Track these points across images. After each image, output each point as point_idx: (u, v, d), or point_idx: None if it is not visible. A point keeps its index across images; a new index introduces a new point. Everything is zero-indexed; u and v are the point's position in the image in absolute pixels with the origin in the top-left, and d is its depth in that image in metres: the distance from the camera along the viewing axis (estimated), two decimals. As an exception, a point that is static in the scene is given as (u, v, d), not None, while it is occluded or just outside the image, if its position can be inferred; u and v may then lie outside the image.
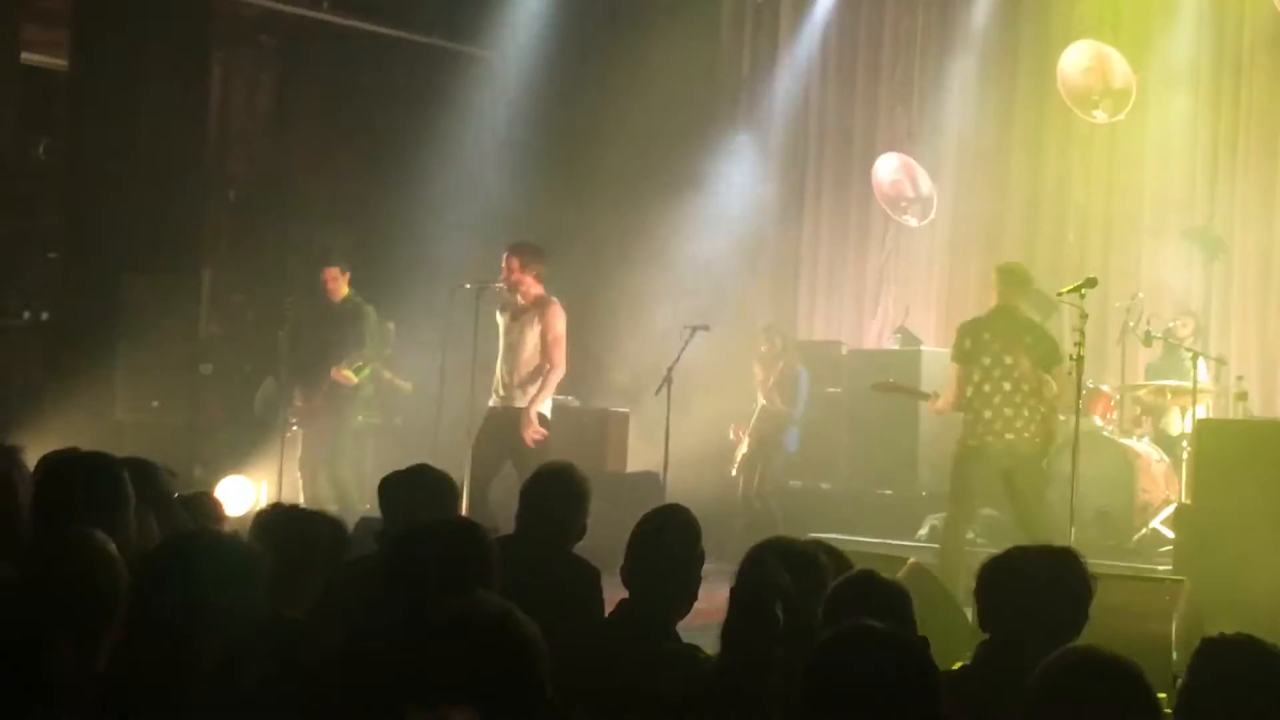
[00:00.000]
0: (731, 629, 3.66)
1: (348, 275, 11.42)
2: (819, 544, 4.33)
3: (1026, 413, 9.26)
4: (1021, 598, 3.96)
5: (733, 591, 3.79)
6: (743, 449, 12.05)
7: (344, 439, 11.28)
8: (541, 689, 2.91)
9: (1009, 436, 9.23)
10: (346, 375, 11.21)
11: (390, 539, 3.86)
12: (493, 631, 2.90)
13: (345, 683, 3.39)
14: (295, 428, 11.37)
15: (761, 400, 12.07)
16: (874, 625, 3.06)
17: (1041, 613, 3.92)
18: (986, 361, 9.34)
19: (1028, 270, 9.97)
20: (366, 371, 11.46)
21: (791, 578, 3.74)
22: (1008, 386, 9.27)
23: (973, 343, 9.42)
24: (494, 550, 3.85)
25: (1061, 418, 9.69)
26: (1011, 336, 9.37)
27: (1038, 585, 3.97)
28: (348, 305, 11.36)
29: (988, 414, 9.28)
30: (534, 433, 9.58)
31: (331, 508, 9.26)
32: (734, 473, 12.07)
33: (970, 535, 10.20)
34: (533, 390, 9.72)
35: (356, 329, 11.31)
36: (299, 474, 11.24)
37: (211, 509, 5.60)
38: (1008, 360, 9.32)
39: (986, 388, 9.30)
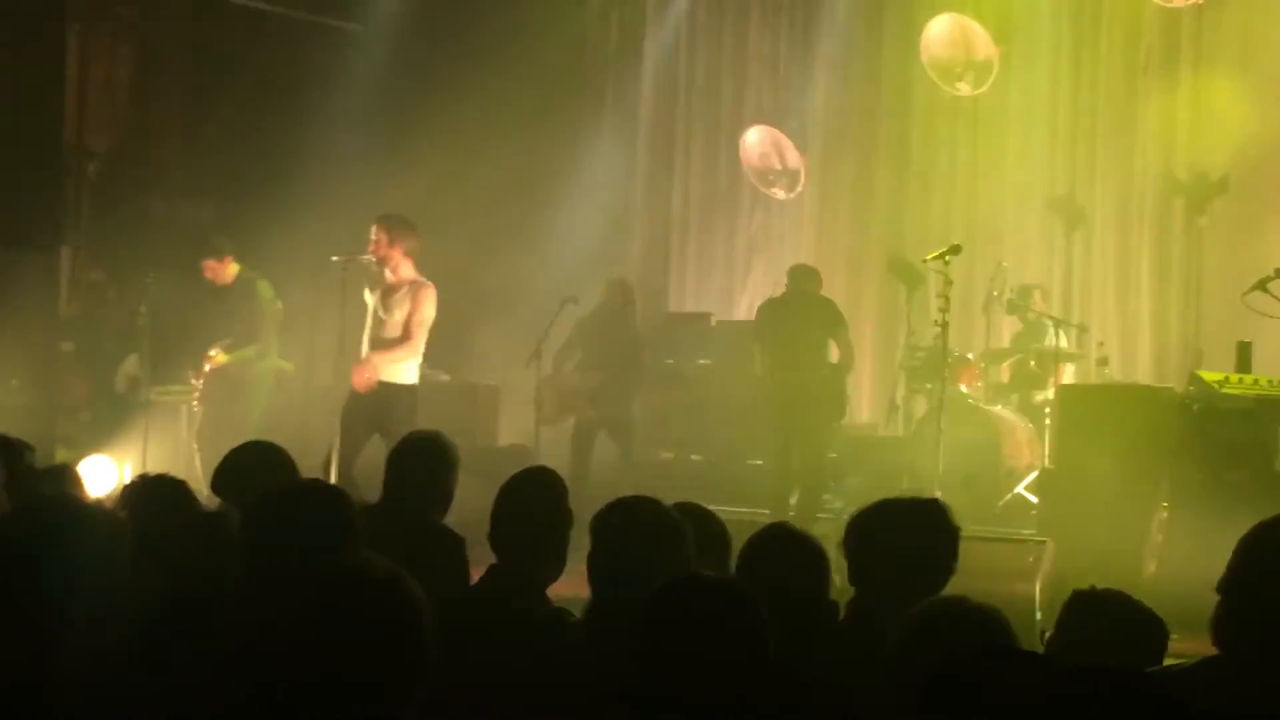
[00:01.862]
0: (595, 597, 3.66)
1: (228, 259, 11.24)
2: (686, 507, 4.34)
3: None
4: (889, 547, 4.00)
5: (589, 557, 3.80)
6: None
7: (247, 422, 11.04)
8: (427, 655, 2.86)
9: None
10: (214, 360, 11.04)
11: (248, 505, 3.81)
12: (384, 594, 2.85)
13: (218, 650, 3.34)
14: (196, 406, 11.27)
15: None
16: (704, 575, 3.10)
17: (909, 561, 3.97)
18: None
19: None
20: (260, 362, 11.22)
21: (641, 539, 3.75)
22: None
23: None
24: (356, 513, 3.81)
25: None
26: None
27: (904, 534, 4.02)
28: (238, 287, 11.19)
29: None
30: (368, 378, 9.45)
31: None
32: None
33: (839, 504, 10.45)
34: (387, 356, 9.59)
35: (246, 316, 11.11)
36: (195, 445, 11.10)
37: (72, 480, 5.49)
38: None
39: None
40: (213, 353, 11.06)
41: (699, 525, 4.03)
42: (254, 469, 5.03)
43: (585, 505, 4.15)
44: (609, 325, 11.35)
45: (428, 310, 9.63)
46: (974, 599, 3.18)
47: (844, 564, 4.27)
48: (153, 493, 4.56)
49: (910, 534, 4.02)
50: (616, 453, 11.41)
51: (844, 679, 3.45)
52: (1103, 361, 11.38)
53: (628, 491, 4.33)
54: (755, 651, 2.94)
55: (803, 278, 10.84)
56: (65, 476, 5.43)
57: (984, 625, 3.09)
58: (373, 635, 2.75)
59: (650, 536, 3.71)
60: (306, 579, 2.88)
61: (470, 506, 5.68)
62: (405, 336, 9.61)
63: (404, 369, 9.66)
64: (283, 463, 5.16)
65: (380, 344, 9.64)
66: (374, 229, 9.75)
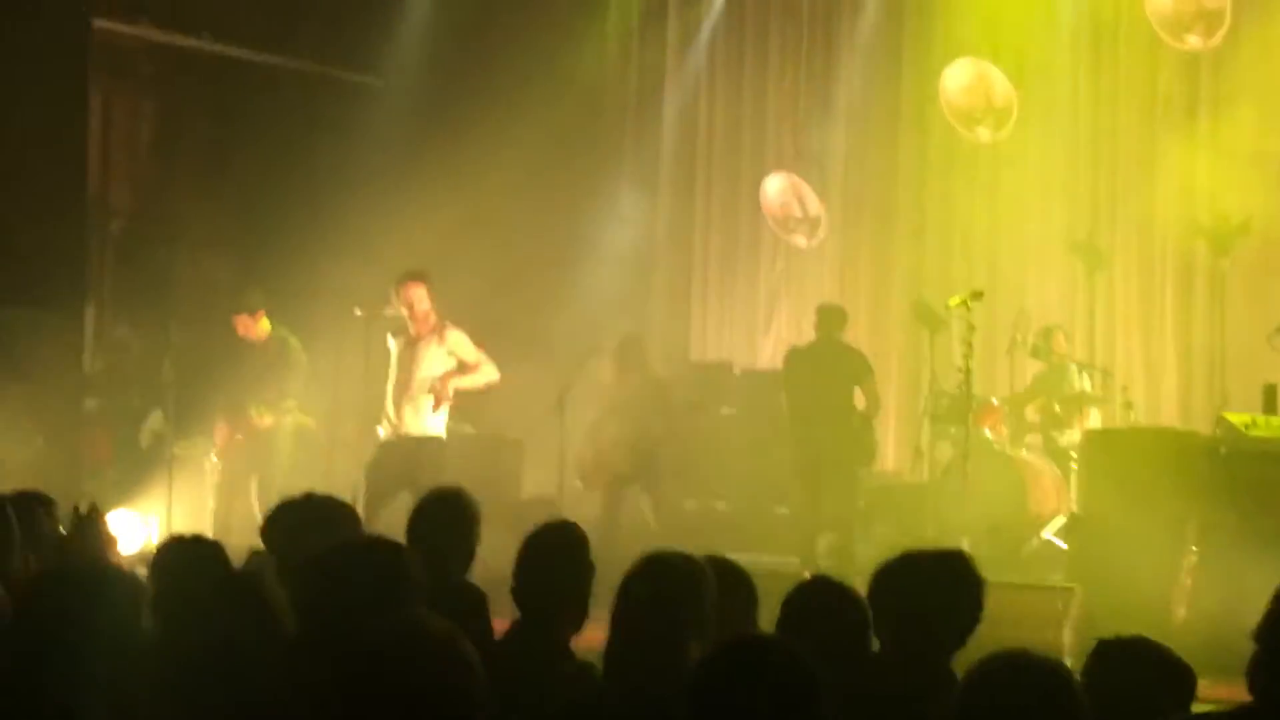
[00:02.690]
0: (617, 650, 3.62)
1: (260, 314, 11.28)
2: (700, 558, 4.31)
3: None
4: (913, 600, 3.97)
5: (613, 612, 3.76)
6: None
7: (276, 473, 11.08)
8: (482, 715, 2.85)
9: None
10: (259, 420, 11.06)
11: (311, 561, 3.77)
12: (441, 653, 2.84)
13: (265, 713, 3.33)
14: (215, 460, 11.28)
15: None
16: (763, 636, 3.04)
17: (934, 615, 3.93)
18: None
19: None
20: (290, 416, 11.25)
21: (672, 591, 3.70)
22: None
23: None
24: (414, 569, 3.78)
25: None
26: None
27: (929, 587, 3.98)
28: (272, 344, 11.23)
29: None
30: (442, 387, 9.53)
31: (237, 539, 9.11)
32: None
33: (862, 549, 10.42)
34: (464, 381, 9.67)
35: (281, 372, 11.16)
36: (212, 501, 11.12)
37: (101, 532, 5.48)
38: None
39: None
40: (256, 411, 11.06)
41: (726, 580, 4.00)
42: (313, 522, 4.96)
43: (617, 558, 4.13)
44: (631, 384, 11.34)
45: (467, 340, 9.76)
46: (1036, 651, 3.12)
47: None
48: (186, 554, 4.53)
49: (935, 586, 3.98)
50: (646, 504, 11.41)
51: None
52: (1127, 405, 11.32)
53: (657, 543, 4.30)
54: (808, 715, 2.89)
55: (829, 319, 10.84)
56: (92, 527, 5.39)
57: (1048, 679, 3.03)
58: (430, 694, 2.75)
59: (672, 595, 3.66)
60: (364, 638, 2.88)
61: (494, 560, 5.66)
62: (475, 366, 9.74)
63: (434, 422, 9.71)
64: (345, 516, 5.08)
65: (407, 394, 9.69)
66: (406, 284, 9.80)
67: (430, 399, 9.72)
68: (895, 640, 3.95)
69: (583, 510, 10.05)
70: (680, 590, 3.64)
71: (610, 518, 11.10)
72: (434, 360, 9.75)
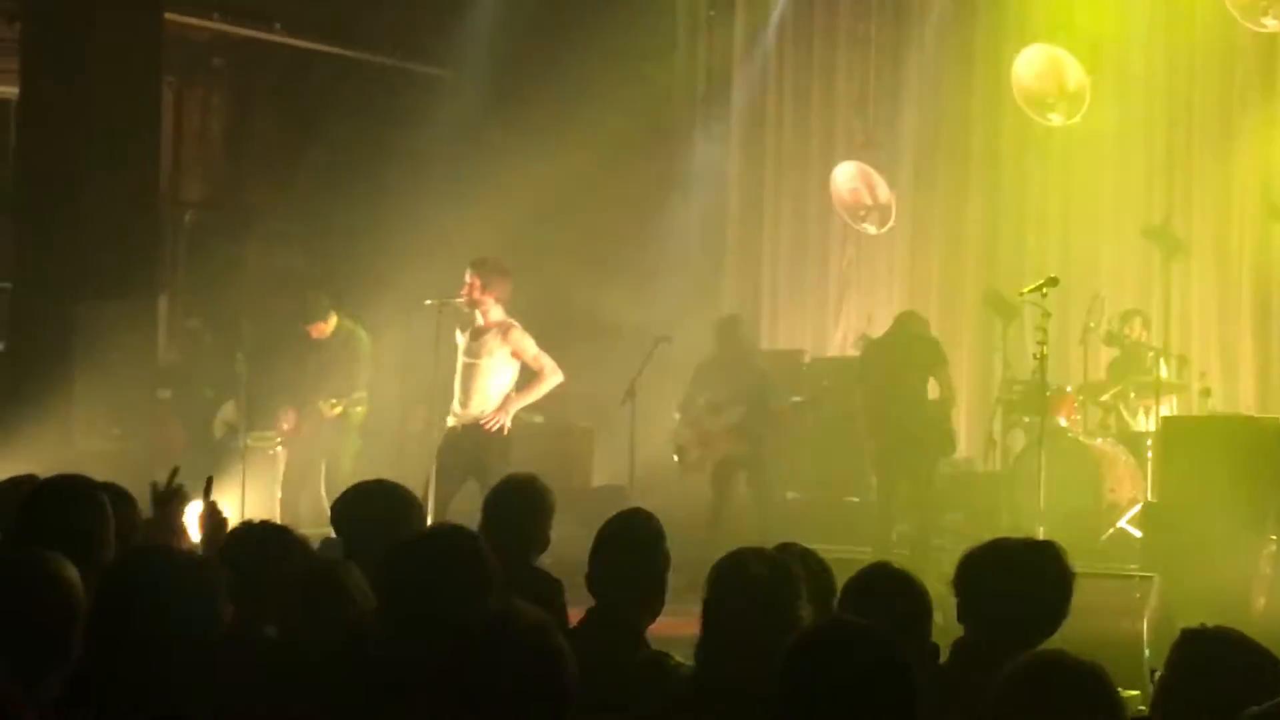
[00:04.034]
0: (708, 638, 3.59)
1: (330, 317, 11.42)
2: (791, 549, 4.27)
3: None
4: (1002, 589, 3.91)
5: (706, 601, 3.72)
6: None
7: (343, 463, 11.17)
8: (572, 705, 2.84)
9: None
10: (330, 411, 11.13)
11: (390, 550, 3.77)
12: (533, 641, 2.82)
13: (347, 699, 3.33)
14: (280, 448, 11.34)
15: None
16: (851, 621, 3.01)
17: (1022, 605, 3.88)
18: None
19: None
20: (360, 407, 11.32)
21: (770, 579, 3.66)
22: None
23: None
24: (491, 557, 3.78)
25: None
26: None
27: (1019, 576, 3.93)
28: (338, 335, 11.34)
29: None
30: (494, 421, 9.53)
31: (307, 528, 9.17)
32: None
33: (937, 540, 10.36)
34: (516, 396, 9.68)
35: (347, 364, 11.24)
36: (280, 492, 11.21)
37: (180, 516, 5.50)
38: None
39: None
40: (328, 404, 11.13)
41: (804, 568, 3.95)
42: (379, 508, 4.96)
43: (723, 544, 4.10)
44: (735, 365, 11.27)
45: (529, 341, 9.74)
46: (1074, 652, 3.07)
47: (946, 601, 4.20)
48: (257, 539, 4.55)
49: (1025, 576, 3.93)
50: (749, 493, 11.32)
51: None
52: (1205, 393, 11.19)
53: (760, 531, 4.29)
54: (904, 706, 2.86)
55: (908, 320, 10.85)
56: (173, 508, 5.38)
57: (1085, 682, 2.99)
58: (522, 683, 2.74)
59: (764, 586, 3.61)
60: (455, 625, 2.88)
61: (565, 549, 5.66)
62: (538, 373, 9.72)
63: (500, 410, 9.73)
64: (412, 503, 5.08)
65: (473, 384, 9.70)
66: (468, 273, 9.81)
67: (496, 389, 9.71)
68: (980, 628, 3.89)
69: (653, 499, 10.00)
70: (772, 584, 3.59)
71: (719, 502, 11.06)
72: (498, 357, 9.74)
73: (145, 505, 5.17)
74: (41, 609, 3.28)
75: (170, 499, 4.95)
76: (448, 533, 3.97)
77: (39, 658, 3.26)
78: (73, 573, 3.39)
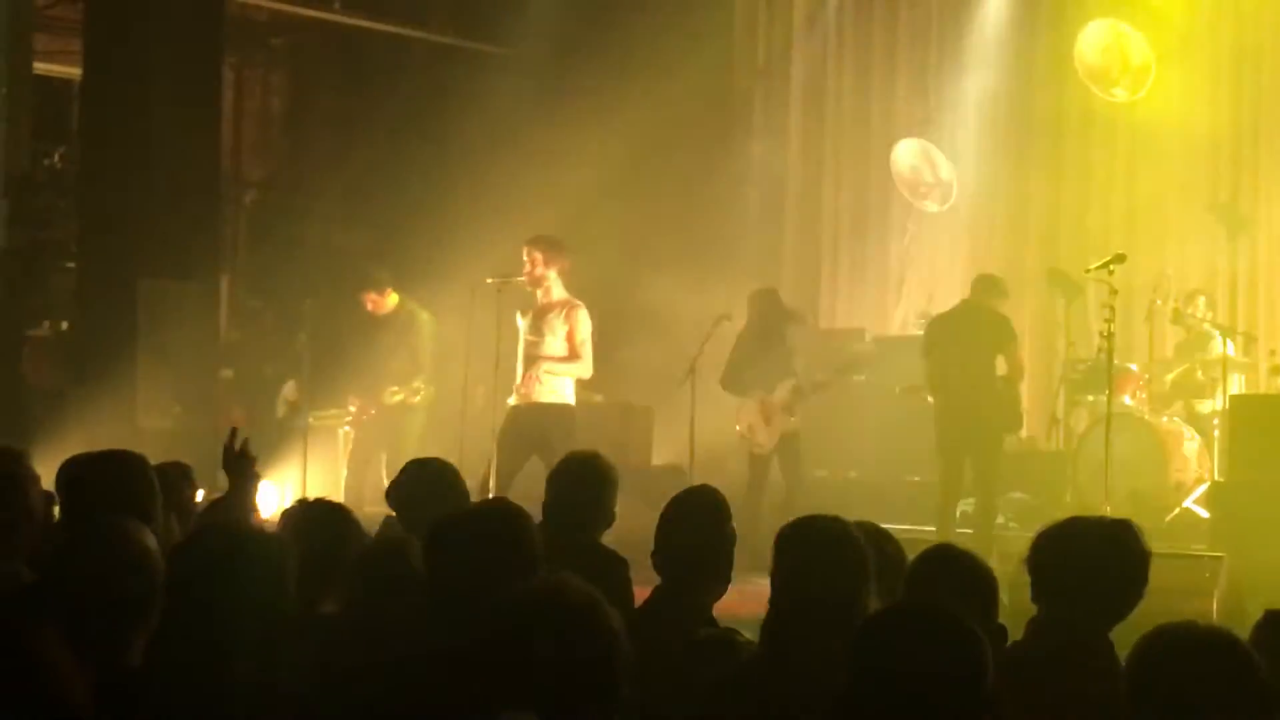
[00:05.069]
0: (778, 614, 3.55)
1: (388, 291, 11.34)
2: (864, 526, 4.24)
3: None
4: (1079, 568, 3.85)
5: (774, 575, 3.68)
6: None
7: (406, 447, 11.14)
8: (622, 685, 2.82)
9: None
10: (390, 400, 11.13)
11: (431, 527, 3.77)
12: (584, 617, 2.80)
13: (401, 678, 3.33)
14: (346, 428, 11.40)
15: None
16: (923, 600, 2.97)
17: (1099, 585, 3.82)
18: None
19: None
20: (420, 395, 11.31)
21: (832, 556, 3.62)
22: None
23: None
24: (536, 533, 3.77)
25: None
26: None
27: (1095, 557, 3.87)
28: (401, 317, 11.29)
29: None
30: (526, 391, 9.52)
31: (370, 509, 9.21)
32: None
33: (1000, 519, 10.28)
34: (554, 365, 9.66)
35: (410, 350, 11.21)
36: (344, 471, 11.24)
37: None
38: None
39: None
40: (390, 392, 11.12)
41: (876, 546, 3.92)
42: (431, 486, 5.07)
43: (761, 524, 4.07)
44: (771, 338, 11.17)
45: (585, 328, 9.70)
46: (1203, 622, 3.03)
47: (1012, 581, 4.14)
48: (315, 517, 4.55)
49: (1103, 556, 3.87)
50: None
51: (1027, 702, 3.32)
52: (1275, 370, 11.05)
53: (803, 509, 4.25)
54: (976, 683, 2.82)
55: (982, 289, 10.54)
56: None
57: (1222, 651, 2.94)
58: (571, 658, 2.72)
59: (834, 557, 3.58)
60: (505, 601, 2.86)
61: (626, 526, 5.64)
62: (572, 356, 9.67)
63: (562, 388, 9.71)
64: (456, 482, 5.20)
65: (536, 364, 9.68)
66: (527, 250, 9.79)
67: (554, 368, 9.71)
68: (1056, 608, 3.83)
69: (713, 477, 9.93)
70: (842, 556, 3.56)
71: (793, 476, 10.96)
72: (560, 335, 9.73)
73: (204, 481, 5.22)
74: (130, 576, 3.31)
75: (245, 471, 4.98)
76: (492, 509, 3.95)
77: (126, 624, 3.30)
78: (151, 540, 3.43)
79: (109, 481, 4.36)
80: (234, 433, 5.07)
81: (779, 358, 11.07)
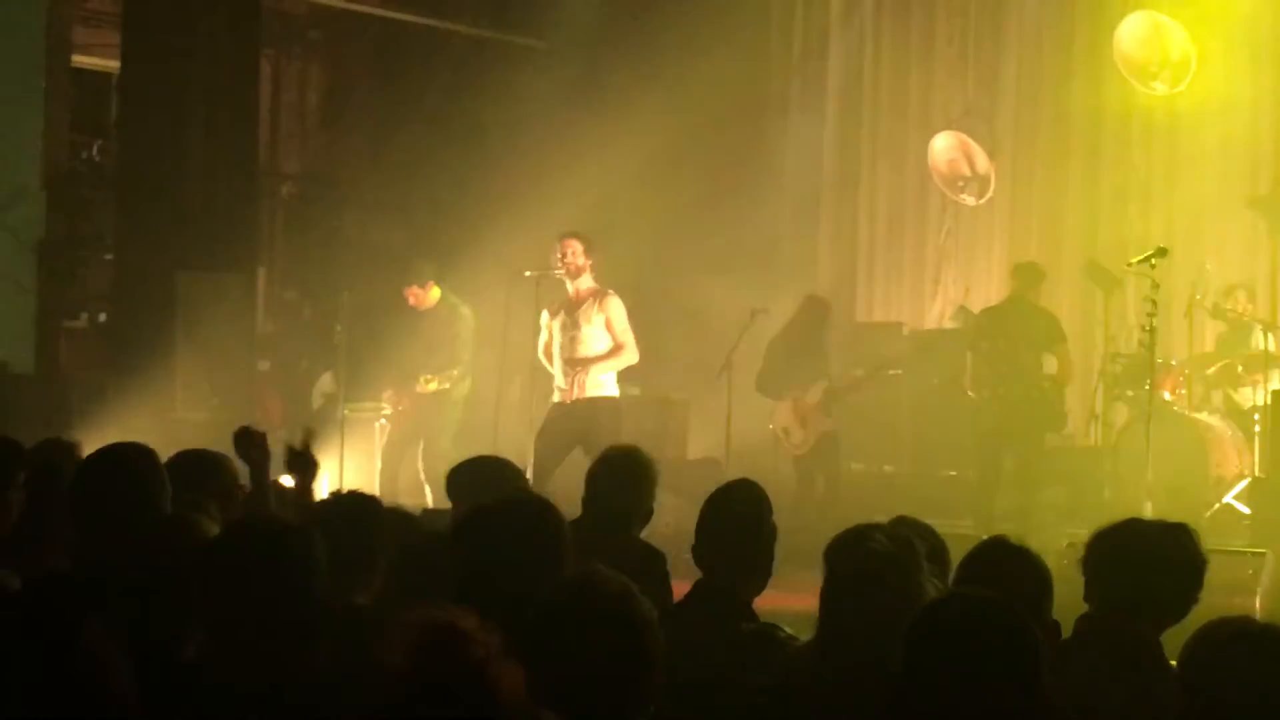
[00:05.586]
0: (832, 608, 3.52)
1: (430, 284, 11.31)
2: (907, 522, 4.22)
3: None
4: (1134, 570, 3.83)
5: (827, 576, 3.64)
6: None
7: (441, 439, 11.14)
8: (658, 677, 2.80)
9: None
10: (424, 387, 11.12)
11: (457, 519, 3.77)
12: (615, 610, 2.79)
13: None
14: (384, 421, 11.43)
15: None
16: (976, 592, 2.96)
17: (1154, 587, 3.81)
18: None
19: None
20: (458, 384, 11.28)
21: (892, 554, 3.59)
22: None
23: None
24: (564, 526, 3.75)
25: None
26: None
27: (1153, 559, 3.85)
28: (442, 311, 11.27)
29: None
30: (577, 394, 9.52)
31: (404, 500, 9.21)
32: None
33: (1038, 517, 10.22)
34: (601, 365, 9.65)
35: (449, 342, 11.19)
36: (379, 463, 11.24)
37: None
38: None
39: None
40: (424, 380, 11.10)
41: (923, 541, 3.89)
42: (479, 480, 5.07)
43: (842, 516, 4.04)
44: (810, 341, 11.17)
45: (621, 314, 9.72)
46: (1258, 619, 3.01)
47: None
48: (348, 509, 4.55)
49: (1158, 559, 3.85)
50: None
51: (1079, 699, 3.29)
52: (1316, 365, 10.96)
53: (842, 505, 4.24)
54: (1030, 676, 2.80)
55: (1024, 278, 10.56)
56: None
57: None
58: (603, 650, 2.71)
59: (886, 560, 3.54)
60: (538, 593, 2.86)
61: (663, 520, 5.63)
62: (616, 348, 9.67)
63: (607, 381, 9.72)
64: (508, 479, 5.19)
65: (575, 358, 9.67)
66: (565, 241, 9.78)
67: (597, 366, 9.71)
68: (1108, 607, 3.80)
69: (750, 471, 9.92)
70: (894, 558, 3.52)
71: (832, 475, 11.00)
72: (595, 324, 9.72)
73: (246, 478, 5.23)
74: (189, 570, 3.32)
75: (307, 466, 5.01)
76: (515, 503, 3.94)
77: (184, 616, 3.32)
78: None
79: (113, 477, 4.36)
80: (308, 433, 5.11)
81: (814, 361, 11.09)
